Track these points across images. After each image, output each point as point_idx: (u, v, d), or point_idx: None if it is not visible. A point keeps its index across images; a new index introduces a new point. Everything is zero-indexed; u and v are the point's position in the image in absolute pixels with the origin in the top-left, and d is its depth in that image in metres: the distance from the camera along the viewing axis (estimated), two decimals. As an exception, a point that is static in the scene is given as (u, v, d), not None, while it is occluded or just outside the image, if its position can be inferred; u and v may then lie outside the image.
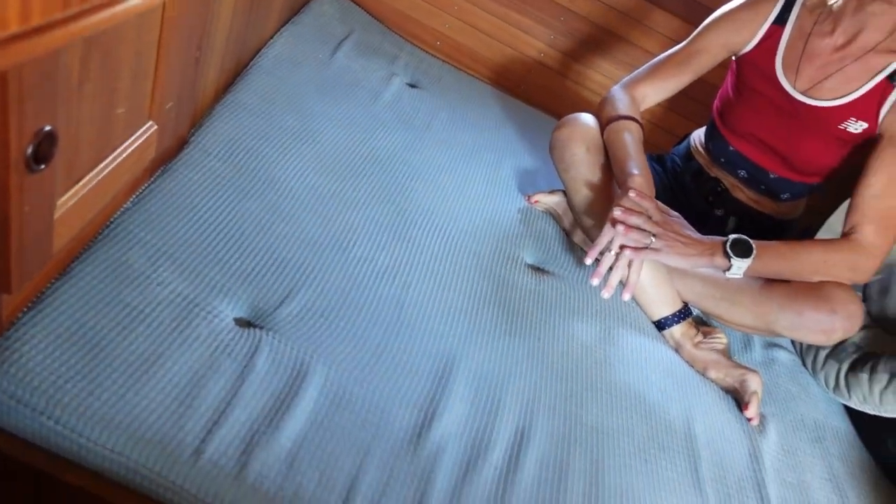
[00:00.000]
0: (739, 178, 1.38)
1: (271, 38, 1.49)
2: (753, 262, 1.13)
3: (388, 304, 1.02)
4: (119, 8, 0.58)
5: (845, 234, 1.18)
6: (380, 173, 1.29)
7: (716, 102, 1.42)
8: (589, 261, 1.13)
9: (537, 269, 1.28)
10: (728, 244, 1.15)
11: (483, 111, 1.77)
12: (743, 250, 1.14)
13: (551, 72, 1.99)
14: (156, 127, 0.88)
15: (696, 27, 1.57)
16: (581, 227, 1.34)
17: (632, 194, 1.13)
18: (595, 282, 1.13)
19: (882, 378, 1.18)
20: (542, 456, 0.91)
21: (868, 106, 1.18)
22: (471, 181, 1.42)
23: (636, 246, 1.12)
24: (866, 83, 1.18)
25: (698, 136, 1.50)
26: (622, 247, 1.11)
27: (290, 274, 0.97)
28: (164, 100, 0.87)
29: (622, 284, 1.13)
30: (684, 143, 1.55)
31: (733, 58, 1.34)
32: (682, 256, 1.16)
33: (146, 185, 0.97)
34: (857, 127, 1.20)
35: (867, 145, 1.22)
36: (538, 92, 2.01)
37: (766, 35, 1.26)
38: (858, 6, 1.16)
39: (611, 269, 1.13)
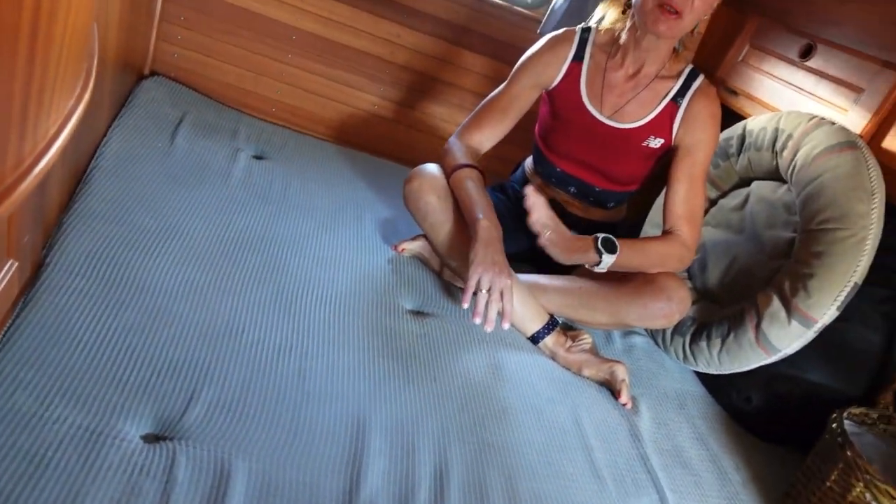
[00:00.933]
0: (570, 193, 1.58)
1: (105, 135, 1.45)
2: (617, 258, 1.32)
3: (290, 380, 1.05)
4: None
5: (667, 232, 1.40)
6: (250, 254, 1.31)
7: (537, 130, 1.61)
8: (465, 305, 1.25)
9: (418, 314, 1.37)
10: (599, 242, 1.32)
11: (333, 170, 1.85)
12: (610, 247, 1.32)
13: (387, 121, 2.12)
14: (17, 264, 0.85)
15: (502, 62, 1.75)
16: (448, 267, 1.46)
17: (529, 190, 1.32)
18: (477, 320, 1.25)
19: (716, 343, 1.42)
20: (463, 483, 0.99)
21: (662, 124, 1.42)
22: (338, 242, 1.49)
23: (546, 235, 1.30)
24: (657, 106, 1.42)
25: (529, 162, 1.69)
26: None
27: (188, 375, 0.98)
28: (20, 235, 0.86)
29: (500, 315, 1.26)
30: (519, 170, 1.73)
31: (545, 92, 1.54)
32: (565, 250, 1.32)
33: (10, 322, 0.93)
34: (656, 143, 1.44)
35: (667, 155, 1.46)
36: (379, 142, 2.12)
37: (567, 72, 1.46)
38: (636, 42, 1.39)
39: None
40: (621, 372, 1.35)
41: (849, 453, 1.07)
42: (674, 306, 1.34)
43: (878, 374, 1.34)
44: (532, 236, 1.58)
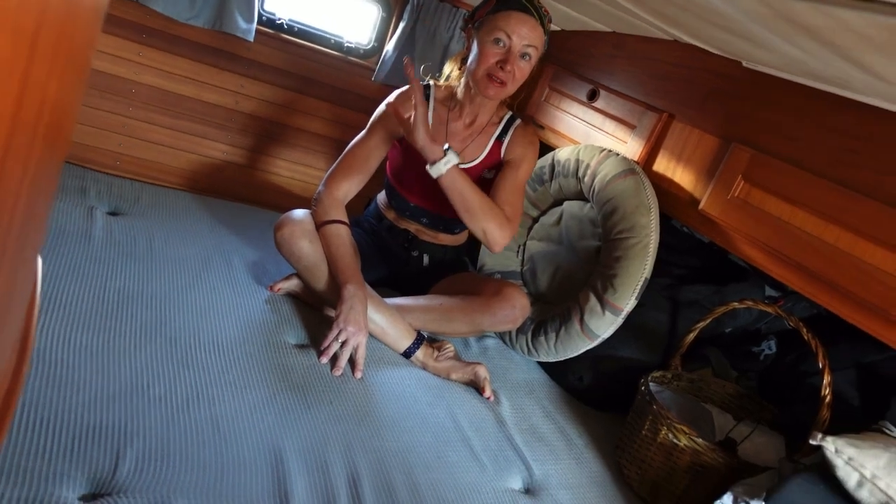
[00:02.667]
0: (423, 224, 1.82)
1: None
2: (456, 170, 1.54)
3: (204, 425, 1.16)
4: None
5: None
6: (134, 312, 1.37)
7: (389, 170, 1.82)
8: (324, 360, 1.45)
9: (303, 347, 1.52)
10: (445, 146, 1.54)
11: (192, 219, 1.91)
12: (453, 154, 1.54)
13: (240, 167, 2.21)
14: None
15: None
16: (327, 303, 1.62)
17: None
18: (324, 360, 1.45)
19: (552, 336, 1.74)
20: (373, 485, 1.17)
21: (493, 159, 1.73)
22: (215, 290, 1.58)
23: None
24: (488, 145, 1.72)
25: (382, 198, 1.90)
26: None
27: (109, 436, 1.05)
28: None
29: (351, 364, 1.48)
30: (373, 206, 1.94)
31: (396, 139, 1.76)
32: (416, 129, 1.51)
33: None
34: (491, 174, 1.73)
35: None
36: (234, 187, 2.20)
37: None
38: (471, 99, 1.67)
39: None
40: (483, 371, 1.62)
41: (654, 407, 1.42)
42: (517, 312, 1.64)
43: (669, 344, 1.74)
44: (391, 263, 1.81)
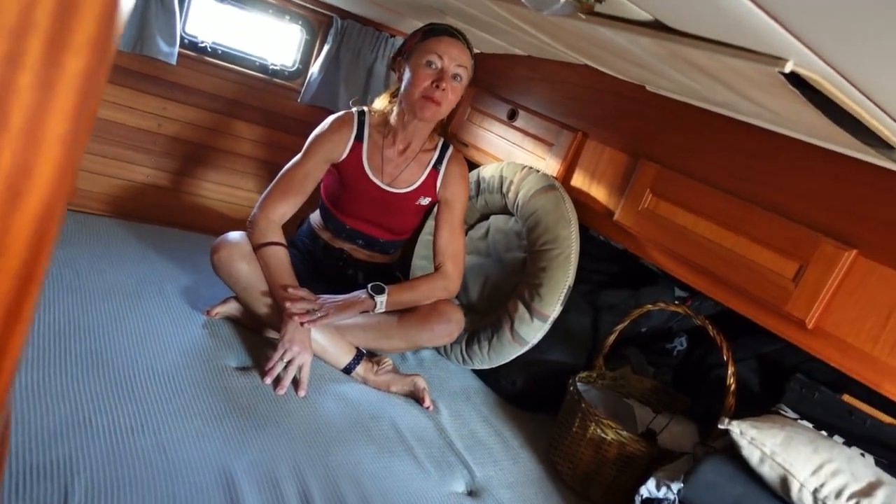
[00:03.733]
0: (358, 245, 1.87)
1: None
2: (389, 297, 1.64)
3: (152, 454, 1.17)
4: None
5: (436, 269, 1.78)
6: (69, 345, 1.36)
7: (324, 194, 1.87)
8: (268, 381, 1.49)
9: (244, 370, 1.54)
10: (369, 289, 1.63)
11: (119, 246, 1.88)
12: (379, 290, 1.64)
13: (165, 190, 2.18)
14: None
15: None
16: (267, 325, 1.65)
17: (291, 290, 1.57)
18: (268, 381, 1.49)
19: (485, 345, 1.83)
20: (324, 498, 1.22)
21: (428, 187, 1.80)
22: (150, 317, 1.58)
23: (312, 319, 1.54)
24: (423, 173, 1.79)
25: (316, 219, 1.94)
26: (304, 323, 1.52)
27: (55, 472, 1.05)
28: None
29: (294, 384, 1.52)
30: (306, 226, 1.97)
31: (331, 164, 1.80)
32: (344, 312, 1.61)
33: None
34: (425, 201, 1.81)
35: (432, 209, 1.85)
36: (160, 211, 2.17)
37: (351, 149, 1.75)
38: (404, 125, 1.74)
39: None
40: (421, 382, 1.69)
41: (583, 405, 1.54)
42: (453, 326, 1.72)
43: (592, 346, 1.88)
44: (326, 281, 1.85)
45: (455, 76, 1.65)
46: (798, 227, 1.41)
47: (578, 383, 1.67)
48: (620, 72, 1.73)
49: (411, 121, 1.72)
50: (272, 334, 1.66)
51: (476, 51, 2.26)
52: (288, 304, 1.56)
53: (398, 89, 1.73)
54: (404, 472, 1.39)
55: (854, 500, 1.12)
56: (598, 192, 1.85)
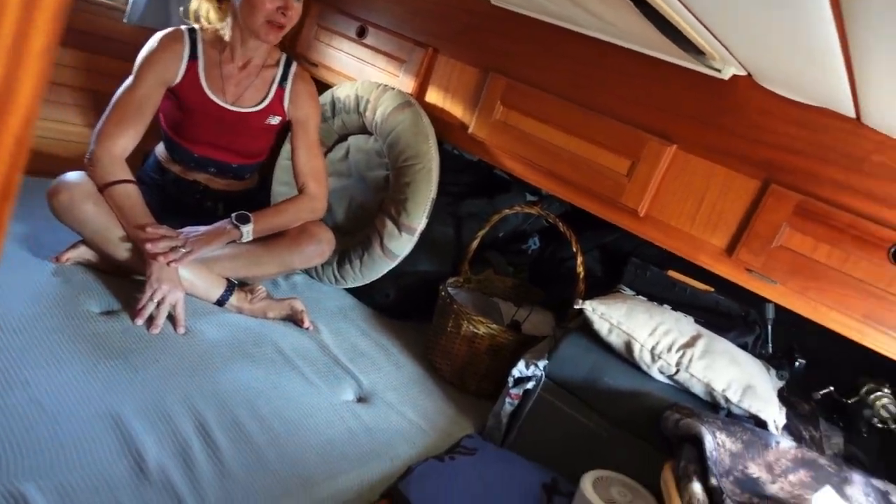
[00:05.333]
0: (211, 173, 1.80)
1: None
2: (255, 224, 1.63)
3: (27, 408, 1.11)
4: None
5: (300, 191, 1.77)
6: None
7: (164, 123, 1.75)
8: (140, 321, 1.43)
9: (109, 313, 1.47)
10: (233, 219, 1.61)
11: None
12: (244, 219, 1.62)
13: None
14: None
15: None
16: (126, 268, 1.56)
17: (149, 230, 1.50)
18: (139, 321, 1.44)
19: (356, 263, 1.89)
20: (221, 425, 1.24)
21: (276, 106, 1.75)
22: (-10, 270, 1.43)
23: (177, 258, 1.48)
24: (269, 91, 1.73)
25: (161, 151, 1.82)
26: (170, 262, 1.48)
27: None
28: None
29: (170, 320, 1.48)
30: (152, 160, 1.85)
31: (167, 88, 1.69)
32: (210, 244, 1.57)
33: None
34: (275, 120, 1.76)
35: (285, 129, 1.80)
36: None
37: (187, 69, 1.65)
38: (243, 41, 1.66)
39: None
40: (298, 304, 1.72)
41: (455, 306, 1.67)
42: (324, 246, 1.75)
43: (457, 254, 2.00)
44: (185, 216, 1.77)
45: None
46: (628, 128, 1.60)
47: (449, 288, 1.79)
48: (466, -14, 1.77)
49: (251, 39, 1.65)
50: (138, 278, 1.58)
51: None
52: (149, 246, 1.49)
53: None
54: (295, 389, 1.44)
55: (681, 351, 1.36)
56: (453, 107, 1.92)
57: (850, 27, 0.74)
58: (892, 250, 1.31)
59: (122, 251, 1.54)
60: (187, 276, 1.59)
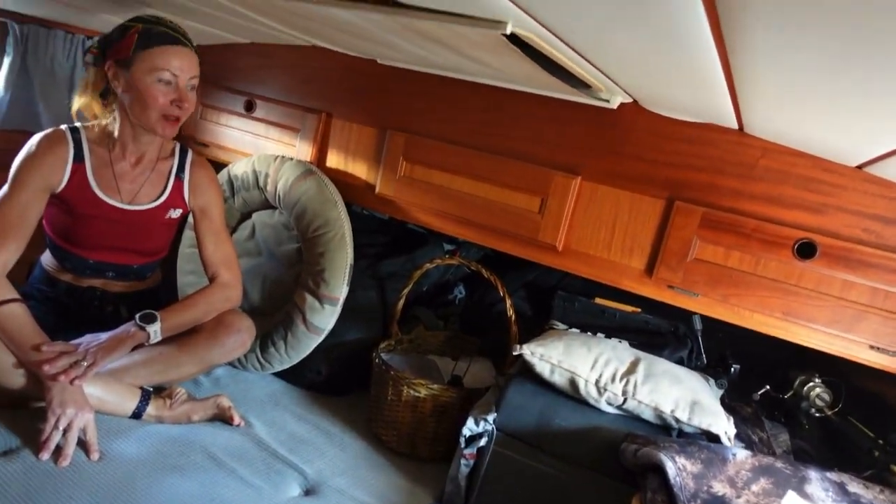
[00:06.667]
0: (109, 278, 1.66)
1: None
2: (163, 323, 1.51)
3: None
4: None
5: (211, 280, 1.67)
6: None
7: (49, 231, 1.61)
8: (46, 456, 1.26)
9: (6, 453, 1.29)
10: (137, 320, 1.48)
11: None
12: (150, 319, 1.50)
13: None
14: None
15: None
16: (23, 396, 1.39)
17: (45, 349, 1.35)
18: (45, 455, 1.27)
19: (280, 344, 1.79)
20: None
21: (175, 198, 1.65)
22: None
23: (80, 374, 1.35)
24: (167, 183, 1.64)
25: (48, 261, 1.67)
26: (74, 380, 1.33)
27: None
28: None
29: (82, 447, 1.32)
30: (38, 272, 1.69)
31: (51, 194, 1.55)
32: (114, 352, 1.44)
33: None
34: (176, 213, 1.66)
35: (185, 220, 1.70)
36: None
37: (72, 172, 1.52)
38: (135, 137, 1.56)
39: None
40: (225, 401, 1.59)
41: (391, 372, 1.60)
42: (245, 336, 1.64)
43: (384, 316, 1.95)
44: (83, 328, 1.62)
45: (191, 88, 1.54)
46: (533, 166, 1.62)
47: (382, 354, 1.73)
48: (351, 48, 1.77)
49: (145, 134, 1.56)
50: (38, 405, 1.41)
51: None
52: (45, 367, 1.33)
53: (105, 90, 1.54)
54: (234, 496, 1.32)
55: (625, 379, 1.36)
56: (356, 169, 1.89)
57: (732, 47, 0.77)
58: (795, 246, 1.38)
59: (15, 379, 1.37)
60: (95, 392, 1.43)
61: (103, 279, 1.66)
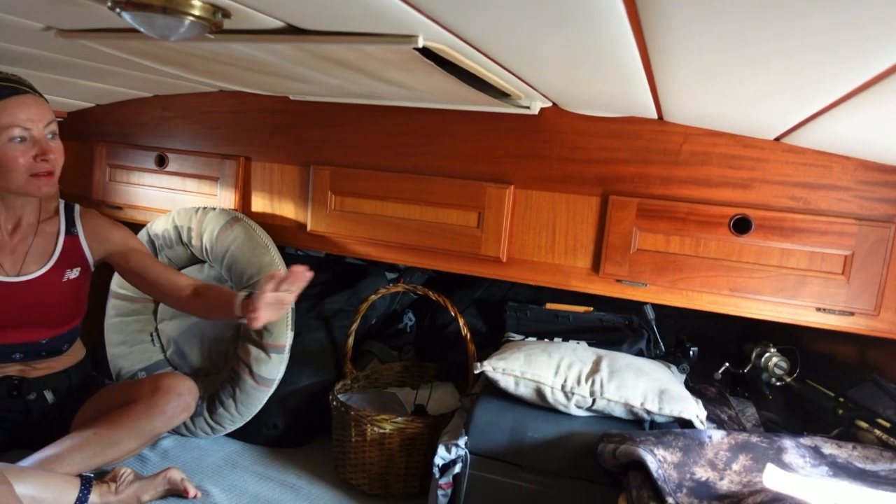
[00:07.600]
0: (19, 361, 1.51)
1: None
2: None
3: None
4: None
5: (194, 289, 1.54)
6: None
7: None
8: None
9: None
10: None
11: None
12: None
13: None
14: None
15: None
16: None
17: None
18: None
19: (230, 403, 1.68)
20: None
21: (70, 257, 1.53)
22: None
23: None
24: (56, 244, 1.52)
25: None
26: None
27: None
28: None
29: None
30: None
31: None
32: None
33: None
34: (74, 273, 1.53)
35: (95, 281, 1.58)
36: None
37: None
38: (6, 204, 1.45)
39: None
40: (176, 473, 1.47)
41: (351, 412, 1.53)
42: (187, 398, 1.53)
43: (336, 356, 1.87)
44: (7, 422, 1.47)
45: (50, 136, 1.43)
46: (465, 182, 1.60)
47: (338, 395, 1.65)
48: (260, 87, 1.71)
49: (16, 199, 1.45)
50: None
51: (86, 104, 2.01)
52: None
53: None
54: (200, 577, 1.21)
55: (590, 379, 1.33)
56: (284, 210, 1.82)
57: (650, 35, 0.77)
58: (731, 223, 1.41)
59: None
60: (26, 491, 1.29)
61: (14, 365, 1.52)
